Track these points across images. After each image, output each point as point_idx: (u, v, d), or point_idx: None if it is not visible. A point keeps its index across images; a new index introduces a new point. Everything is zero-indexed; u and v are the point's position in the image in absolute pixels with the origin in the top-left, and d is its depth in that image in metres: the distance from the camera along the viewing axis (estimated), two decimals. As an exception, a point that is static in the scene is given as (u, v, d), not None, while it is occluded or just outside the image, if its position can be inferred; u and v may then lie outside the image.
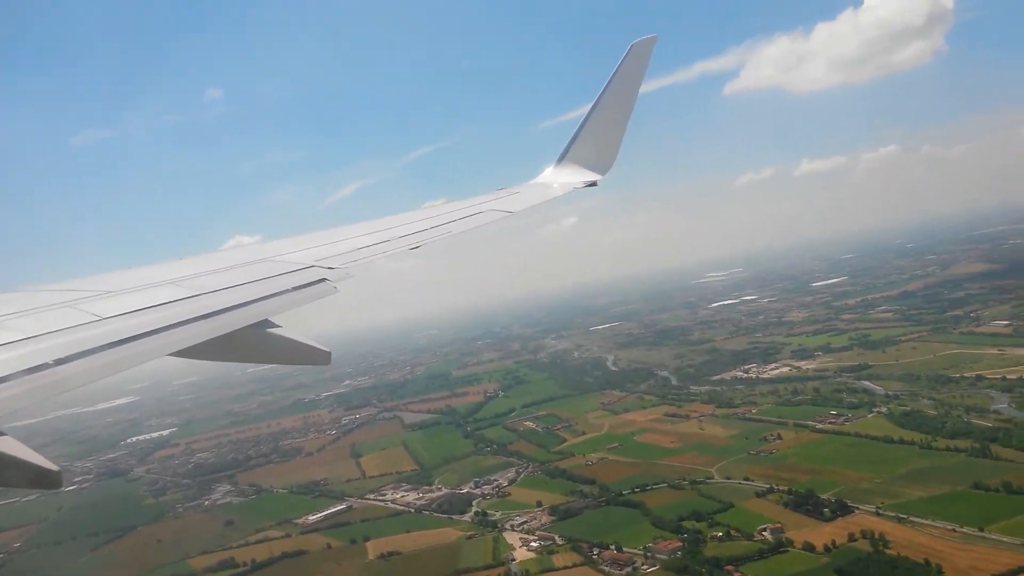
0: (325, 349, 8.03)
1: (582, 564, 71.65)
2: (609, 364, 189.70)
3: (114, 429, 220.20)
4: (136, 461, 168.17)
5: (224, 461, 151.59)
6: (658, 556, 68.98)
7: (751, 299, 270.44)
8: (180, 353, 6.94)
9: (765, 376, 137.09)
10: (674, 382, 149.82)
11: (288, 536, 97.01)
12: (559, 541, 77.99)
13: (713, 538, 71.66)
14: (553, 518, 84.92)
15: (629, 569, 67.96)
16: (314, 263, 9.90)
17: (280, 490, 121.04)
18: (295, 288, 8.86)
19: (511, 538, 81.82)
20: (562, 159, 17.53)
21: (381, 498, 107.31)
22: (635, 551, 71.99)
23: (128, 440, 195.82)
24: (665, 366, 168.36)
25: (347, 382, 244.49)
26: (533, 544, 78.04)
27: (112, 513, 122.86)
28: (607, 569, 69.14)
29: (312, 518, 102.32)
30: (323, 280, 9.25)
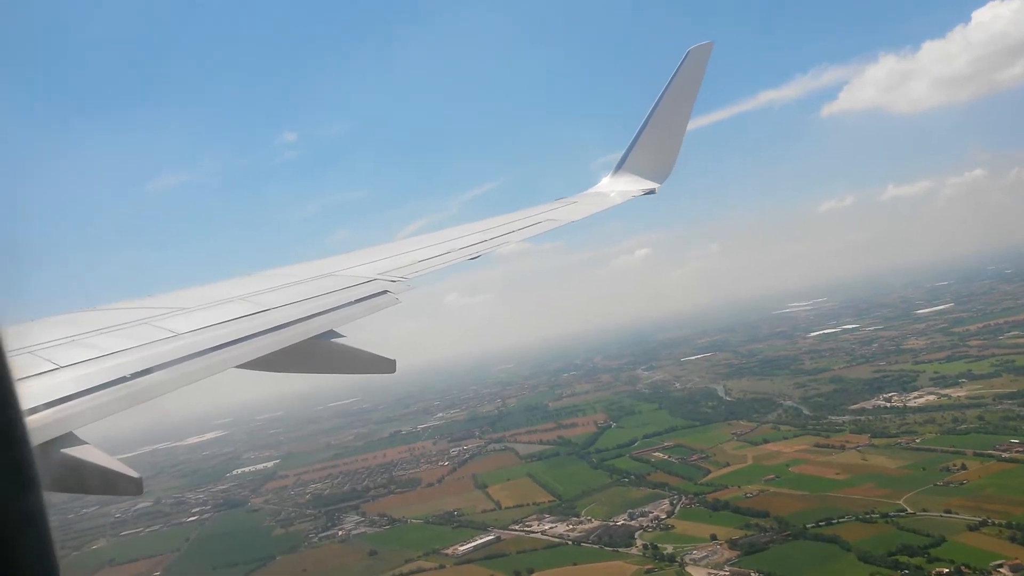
0: (389, 358, 8.17)
1: (793, 601, 66.58)
2: (721, 394, 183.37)
3: (214, 462, 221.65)
4: (249, 492, 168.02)
5: (341, 492, 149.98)
6: (886, 593, 63.57)
7: (852, 327, 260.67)
8: (249, 365, 7.25)
9: (912, 405, 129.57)
10: (806, 412, 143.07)
11: (443, 567, 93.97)
12: (755, 576, 72.99)
13: (938, 574, 65.80)
14: (737, 552, 79.93)
15: (856, 607, 62.65)
16: (377, 276, 10.16)
17: (414, 520, 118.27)
18: (358, 300, 9.13)
19: (697, 573, 77.05)
20: (619, 168, 17.38)
21: (527, 529, 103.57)
22: (851, 588, 66.66)
23: (233, 472, 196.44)
24: (787, 396, 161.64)
25: (439, 415, 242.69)
26: (726, 579, 73.28)
27: (244, 544, 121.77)
28: (826, 607, 63.95)
29: (461, 549, 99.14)
30: (385, 292, 9.48)
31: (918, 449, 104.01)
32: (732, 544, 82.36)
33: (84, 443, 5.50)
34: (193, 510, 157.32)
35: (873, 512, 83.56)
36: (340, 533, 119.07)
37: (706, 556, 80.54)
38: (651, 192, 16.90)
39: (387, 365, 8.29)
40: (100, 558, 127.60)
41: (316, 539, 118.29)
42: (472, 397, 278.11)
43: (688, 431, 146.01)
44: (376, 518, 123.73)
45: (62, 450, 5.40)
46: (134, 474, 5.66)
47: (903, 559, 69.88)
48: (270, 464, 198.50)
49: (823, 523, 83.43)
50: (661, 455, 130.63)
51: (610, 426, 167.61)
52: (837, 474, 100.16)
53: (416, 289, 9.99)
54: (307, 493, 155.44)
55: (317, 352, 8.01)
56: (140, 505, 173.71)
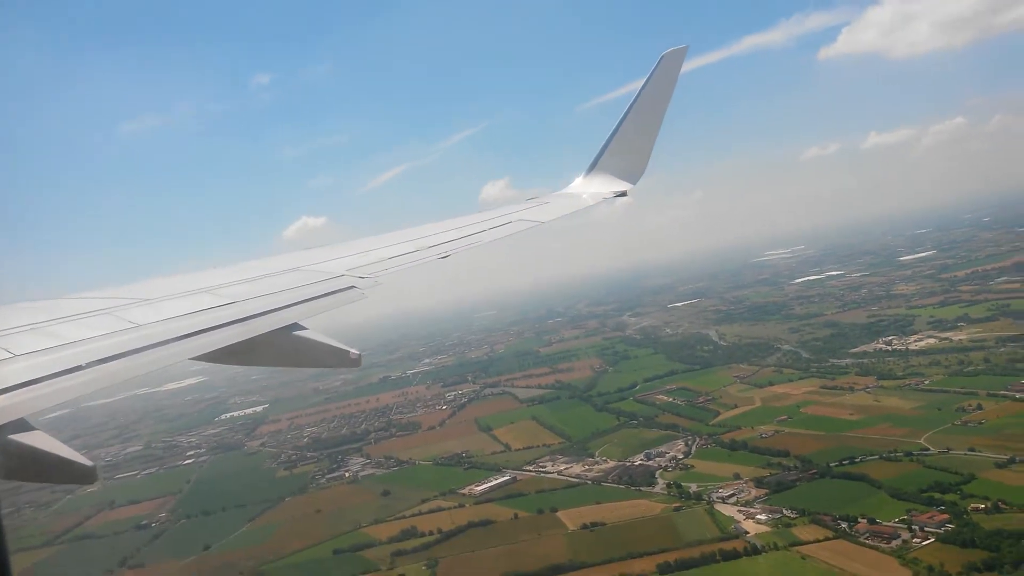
0: (355, 352, 8.10)
1: (834, 537, 66.80)
2: (715, 339, 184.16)
3: (199, 407, 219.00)
4: (243, 436, 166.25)
5: (340, 435, 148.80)
6: (927, 529, 63.86)
7: (836, 274, 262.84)
8: (208, 357, 7.27)
9: (914, 348, 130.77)
10: (805, 355, 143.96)
11: (462, 506, 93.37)
12: (788, 514, 73.09)
13: (976, 510, 66.38)
14: (764, 491, 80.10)
15: (898, 542, 62.96)
16: (345, 272, 10.12)
17: (422, 462, 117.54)
18: (325, 294, 9.07)
19: (727, 511, 77.17)
20: (592, 169, 17.41)
21: (542, 470, 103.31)
22: (891, 524, 66.97)
23: (221, 417, 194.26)
24: (783, 340, 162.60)
25: (426, 360, 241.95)
26: (760, 517, 73.33)
27: (248, 485, 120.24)
28: (870, 542, 64.21)
29: (478, 489, 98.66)
30: (352, 288, 9.43)
31: (928, 390, 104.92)
32: (758, 483, 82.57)
33: (34, 430, 5.50)
34: (188, 453, 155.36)
35: (895, 451, 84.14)
36: (347, 474, 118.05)
37: (733, 494, 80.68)
38: (622, 194, 16.94)
39: (352, 359, 8.15)
40: (96, 500, 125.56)
41: (323, 480, 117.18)
42: (457, 343, 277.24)
43: (688, 374, 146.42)
44: (382, 460, 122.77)
45: (10, 436, 5.32)
46: (87, 462, 5.61)
47: (936, 496, 70.41)
48: (259, 408, 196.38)
49: (846, 461, 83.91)
50: (665, 397, 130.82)
51: (607, 370, 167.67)
52: (851, 414, 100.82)
53: (383, 285, 10.04)
54: (304, 436, 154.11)
55: (282, 344, 7.98)
56: (130, 449, 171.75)
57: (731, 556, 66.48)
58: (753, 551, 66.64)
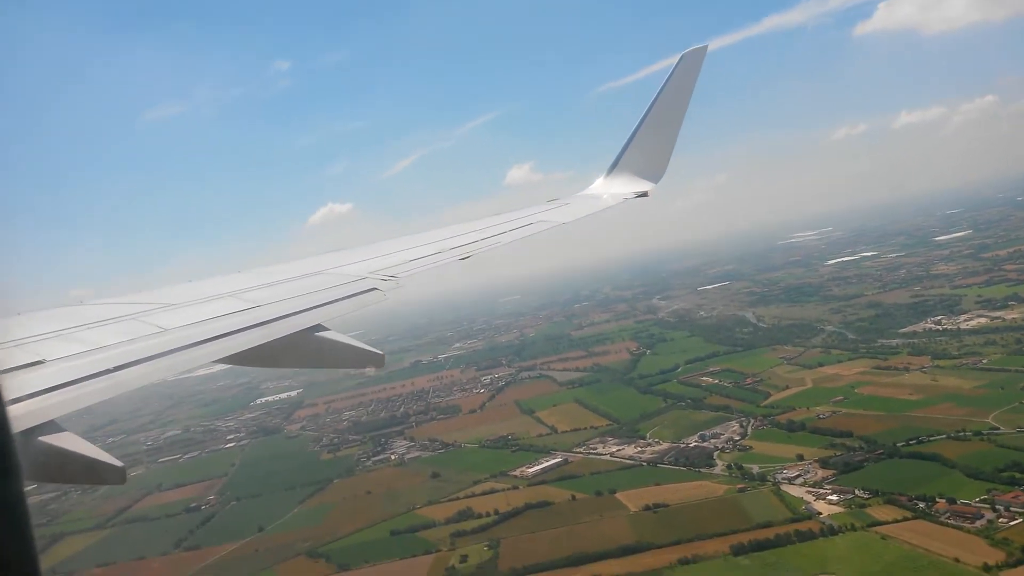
0: (379, 352, 8.24)
1: (913, 518, 65.20)
2: (752, 320, 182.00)
3: (232, 392, 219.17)
4: (281, 420, 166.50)
5: (380, 419, 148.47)
6: (1013, 509, 62.07)
7: (871, 255, 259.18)
8: (233, 359, 7.40)
9: (965, 327, 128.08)
10: (851, 336, 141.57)
11: (516, 488, 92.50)
12: (861, 494, 71.47)
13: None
14: (832, 471, 78.47)
15: (982, 522, 61.27)
16: (368, 275, 10.25)
17: (468, 445, 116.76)
18: (347, 297, 9.19)
19: (795, 492, 75.68)
20: (613, 169, 17.43)
21: (593, 452, 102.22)
22: (972, 504, 65.23)
23: (257, 401, 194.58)
24: (826, 321, 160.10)
25: (456, 345, 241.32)
26: (832, 498, 71.79)
27: (293, 468, 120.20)
28: (952, 522, 62.57)
29: (530, 471, 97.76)
30: (374, 290, 9.51)
31: (988, 369, 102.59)
32: (823, 463, 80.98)
33: (64, 431, 5.61)
34: (228, 437, 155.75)
35: (964, 431, 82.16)
36: (393, 457, 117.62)
37: (799, 475, 79.17)
38: (643, 195, 16.85)
39: (376, 359, 8.29)
40: (143, 484, 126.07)
41: (370, 463, 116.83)
42: (485, 328, 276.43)
43: (731, 356, 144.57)
44: (426, 442, 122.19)
45: (40, 438, 5.38)
46: (117, 463, 5.76)
47: (1017, 476, 68.52)
48: (293, 393, 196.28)
49: (913, 441, 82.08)
50: (710, 379, 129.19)
51: (645, 353, 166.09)
52: (910, 394, 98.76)
53: (402, 294, 10.06)
54: (343, 420, 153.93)
55: (305, 346, 8.01)
56: (169, 433, 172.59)
57: (807, 537, 65.11)
58: (830, 532, 65.21)
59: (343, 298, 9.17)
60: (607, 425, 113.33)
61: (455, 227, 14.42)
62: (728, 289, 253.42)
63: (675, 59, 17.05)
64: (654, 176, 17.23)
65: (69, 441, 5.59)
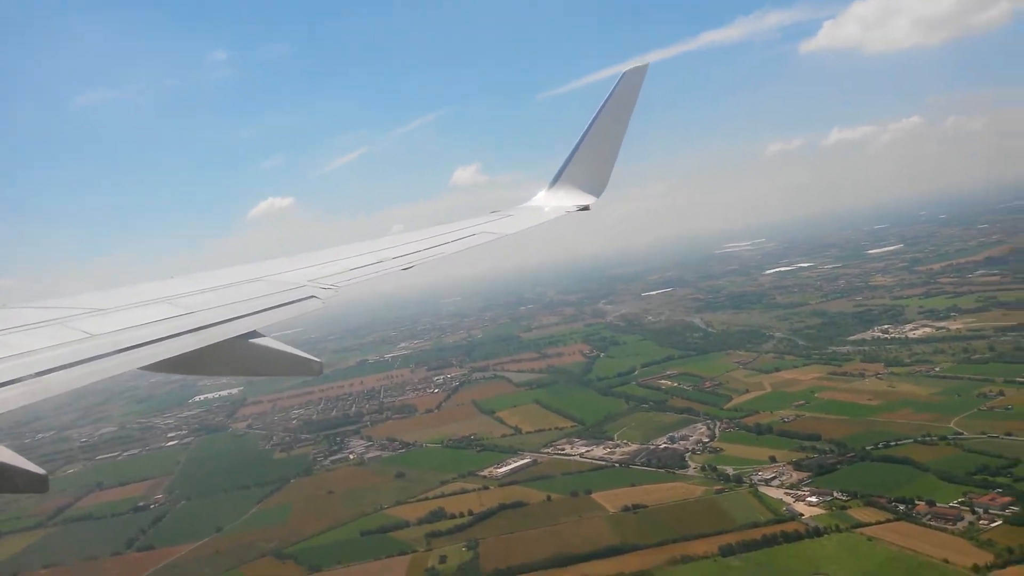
0: (316, 359, 8.08)
1: (895, 519, 66.45)
2: (701, 326, 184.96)
3: (167, 388, 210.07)
4: (224, 417, 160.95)
5: (332, 418, 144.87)
6: (992, 511, 63.89)
7: (807, 265, 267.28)
8: (161, 366, 7.07)
9: (913, 336, 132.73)
10: (801, 343, 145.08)
11: (487, 488, 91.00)
12: (839, 496, 72.66)
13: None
14: (807, 474, 79.62)
15: (964, 524, 62.88)
16: (307, 282, 10.09)
17: (430, 444, 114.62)
18: (284, 304, 9.04)
19: (772, 493, 76.49)
20: (555, 183, 17.74)
21: (562, 452, 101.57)
22: (951, 506, 66.93)
23: (195, 399, 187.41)
24: (773, 328, 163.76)
25: (402, 344, 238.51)
26: (811, 499, 72.74)
27: (243, 467, 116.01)
28: (934, 524, 64.05)
29: (499, 471, 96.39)
30: (312, 297, 9.42)
31: (942, 376, 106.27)
32: (797, 466, 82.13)
33: None
34: (168, 435, 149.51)
35: (929, 435, 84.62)
36: (352, 456, 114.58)
37: (775, 477, 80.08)
38: (585, 208, 17.14)
39: (314, 367, 8.09)
40: (82, 482, 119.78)
41: (327, 462, 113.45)
42: (429, 328, 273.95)
43: (686, 360, 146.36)
44: (385, 442, 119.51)
45: None
46: (39, 470, 5.50)
47: (988, 479, 70.73)
48: (234, 391, 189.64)
49: (882, 445, 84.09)
50: (669, 382, 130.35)
51: (599, 356, 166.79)
52: (869, 400, 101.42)
53: (341, 296, 10.02)
54: (292, 418, 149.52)
55: (239, 353, 7.84)
56: (104, 430, 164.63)
57: (793, 538, 65.65)
58: (815, 533, 65.87)
59: (280, 305, 9.04)
60: (572, 426, 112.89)
61: (396, 237, 14.64)
62: (672, 295, 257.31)
63: (616, 69, 18.16)
64: (595, 190, 17.55)
65: None
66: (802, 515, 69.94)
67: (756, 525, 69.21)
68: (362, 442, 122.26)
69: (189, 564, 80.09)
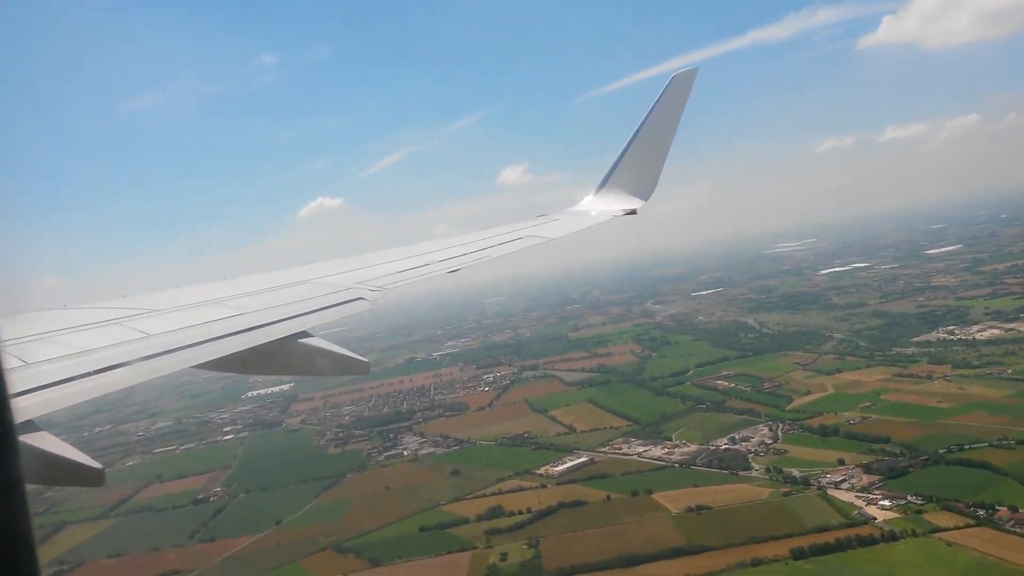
0: (364, 359, 8.32)
1: (975, 525, 63.85)
2: (755, 326, 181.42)
3: (220, 384, 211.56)
4: (278, 413, 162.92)
5: (383, 414, 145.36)
6: (1080, 517, 61.07)
7: (863, 266, 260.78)
8: (215, 365, 7.36)
9: (980, 338, 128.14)
10: (862, 344, 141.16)
11: (544, 487, 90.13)
12: (914, 500, 70.12)
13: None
14: (877, 477, 77.07)
15: (1051, 530, 60.14)
16: (355, 285, 10.26)
17: (483, 442, 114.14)
18: (332, 306, 9.20)
19: (843, 496, 74.18)
20: (602, 186, 17.72)
21: (619, 452, 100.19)
22: (1035, 512, 64.14)
23: (248, 394, 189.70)
24: (832, 328, 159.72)
25: (449, 343, 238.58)
26: (884, 503, 70.35)
27: (299, 462, 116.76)
28: (1018, 530, 61.35)
29: (555, 469, 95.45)
30: (360, 299, 9.55)
31: (1015, 379, 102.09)
32: (866, 469, 79.55)
33: (40, 431, 5.54)
34: (224, 429, 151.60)
35: (1007, 439, 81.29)
36: (406, 453, 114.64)
37: (844, 480, 77.70)
38: (632, 212, 17.02)
39: (361, 366, 8.39)
40: (141, 475, 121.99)
41: (382, 458, 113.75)
42: (476, 328, 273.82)
43: (741, 361, 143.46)
44: (439, 439, 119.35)
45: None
46: (95, 464, 5.73)
47: (1074, 484, 67.67)
48: (286, 387, 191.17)
49: (955, 448, 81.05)
50: (725, 383, 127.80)
51: (650, 355, 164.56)
52: (939, 402, 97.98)
53: (391, 294, 10.18)
54: (344, 414, 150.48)
55: (289, 352, 7.99)
56: (159, 424, 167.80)
57: (868, 542, 63.53)
58: (890, 537, 63.66)
59: (328, 307, 9.18)
60: (627, 426, 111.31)
61: (443, 240, 14.81)
62: (723, 295, 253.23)
63: (661, 68, 17.19)
64: (643, 194, 17.48)
65: (46, 441, 5.44)
66: (875, 519, 67.69)
67: (827, 528, 67.17)
68: (415, 439, 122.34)
69: (251, 556, 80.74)
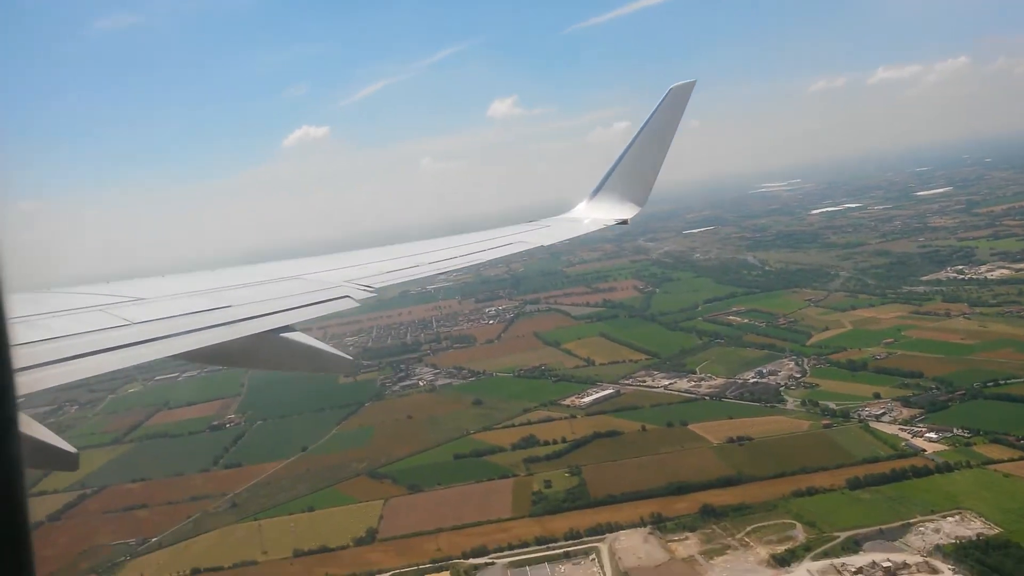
0: (348, 357, 8.60)
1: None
2: (757, 264, 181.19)
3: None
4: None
5: (389, 346, 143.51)
6: None
7: (856, 207, 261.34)
8: (197, 355, 7.57)
9: (992, 277, 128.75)
10: (870, 282, 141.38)
11: (574, 417, 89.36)
12: (960, 433, 70.26)
13: None
14: (918, 410, 77.15)
15: (1106, 463, 60.49)
16: (343, 282, 10.28)
17: (500, 374, 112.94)
18: (319, 302, 9.23)
19: (886, 429, 74.20)
20: (595, 194, 17.71)
21: (643, 384, 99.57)
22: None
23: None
24: (836, 267, 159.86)
25: (441, 276, 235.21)
26: (930, 436, 70.42)
27: (310, 391, 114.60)
28: (1073, 463, 61.70)
29: (582, 401, 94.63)
30: (346, 297, 9.59)
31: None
32: (905, 402, 79.62)
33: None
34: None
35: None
36: (421, 383, 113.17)
37: (884, 413, 77.75)
38: (623, 222, 17.06)
39: (346, 365, 8.61)
40: (146, 402, 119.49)
41: (397, 388, 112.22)
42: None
43: (750, 297, 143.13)
44: (452, 370, 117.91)
45: None
46: (70, 448, 5.67)
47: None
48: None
49: (991, 384, 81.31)
50: (738, 319, 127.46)
51: (654, 291, 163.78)
52: (963, 339, 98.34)
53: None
54: (348, 344, 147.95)
55: (271, 347, 7.95)
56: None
57: (922, 473, 63.61)
58: (945, 468, 63.78)
59: (315, 303, 9.13)
60: (646, 359, 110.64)
61: (435, 241, 14.98)
62: (716, 233, 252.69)
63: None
64: (637, 201, 17.32)
65: (24, 425, 5.13)
66: (924, 451, 67.74)
67: (877, 459, 67.05)
68: (428, 369, 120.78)
69: (283, 482, 79.28)
